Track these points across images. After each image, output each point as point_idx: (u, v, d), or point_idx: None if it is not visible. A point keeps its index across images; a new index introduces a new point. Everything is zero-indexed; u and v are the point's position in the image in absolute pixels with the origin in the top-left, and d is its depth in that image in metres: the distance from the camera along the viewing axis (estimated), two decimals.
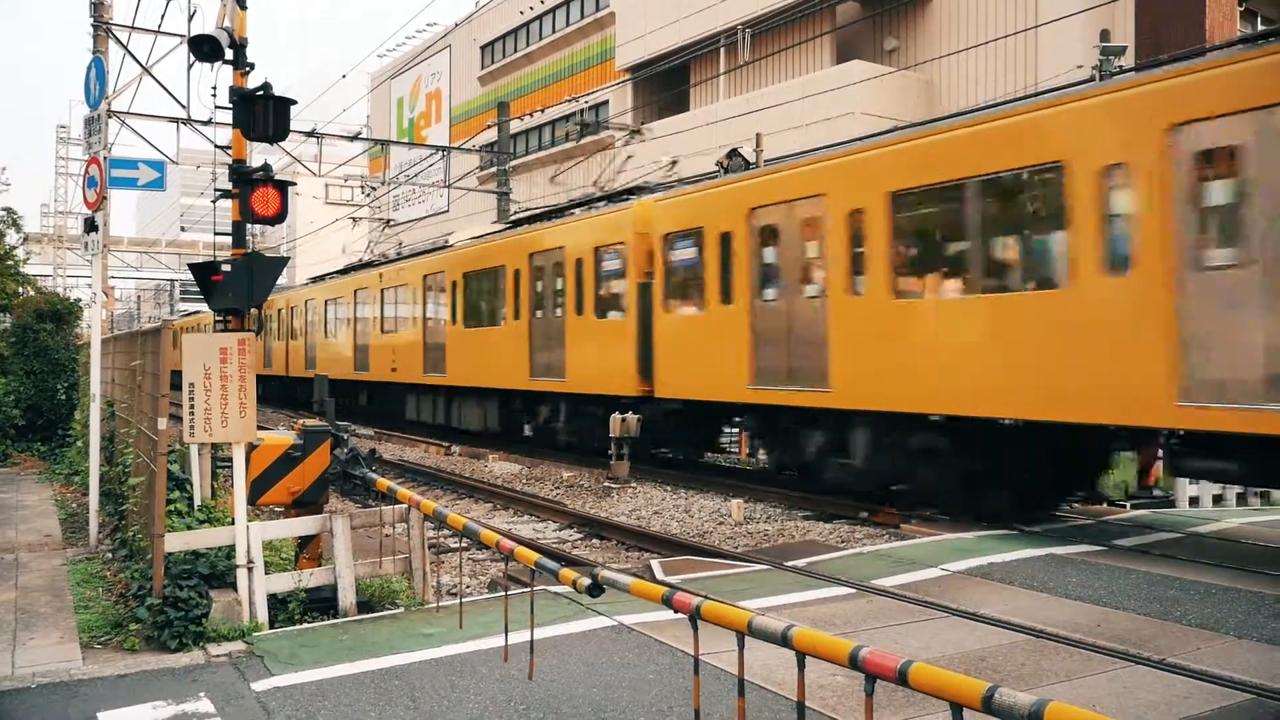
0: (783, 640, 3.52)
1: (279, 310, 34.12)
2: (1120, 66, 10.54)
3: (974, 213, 9.87)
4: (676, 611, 4.12)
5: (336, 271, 31.21)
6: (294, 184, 9.07)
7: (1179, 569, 8.00)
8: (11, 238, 21.93)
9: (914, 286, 10.69)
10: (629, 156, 19.89)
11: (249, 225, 9.51)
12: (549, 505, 13.22)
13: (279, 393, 34.75)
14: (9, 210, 21.94)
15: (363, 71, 54.63)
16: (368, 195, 32.75)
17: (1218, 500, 12.68)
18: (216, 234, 11.88)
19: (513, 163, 33.14)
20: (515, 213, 26.17)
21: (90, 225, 10.11)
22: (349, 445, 8.50)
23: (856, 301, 11.17)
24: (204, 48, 9.04)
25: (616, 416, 14.75)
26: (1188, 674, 5.40)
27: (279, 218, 8.50)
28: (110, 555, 8.95)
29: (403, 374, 23.65)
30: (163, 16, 14.57)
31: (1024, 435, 9.68)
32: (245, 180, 8.60)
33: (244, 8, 9.32)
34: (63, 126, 40.22)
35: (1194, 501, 12.40)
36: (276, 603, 6.89)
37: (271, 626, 6.60)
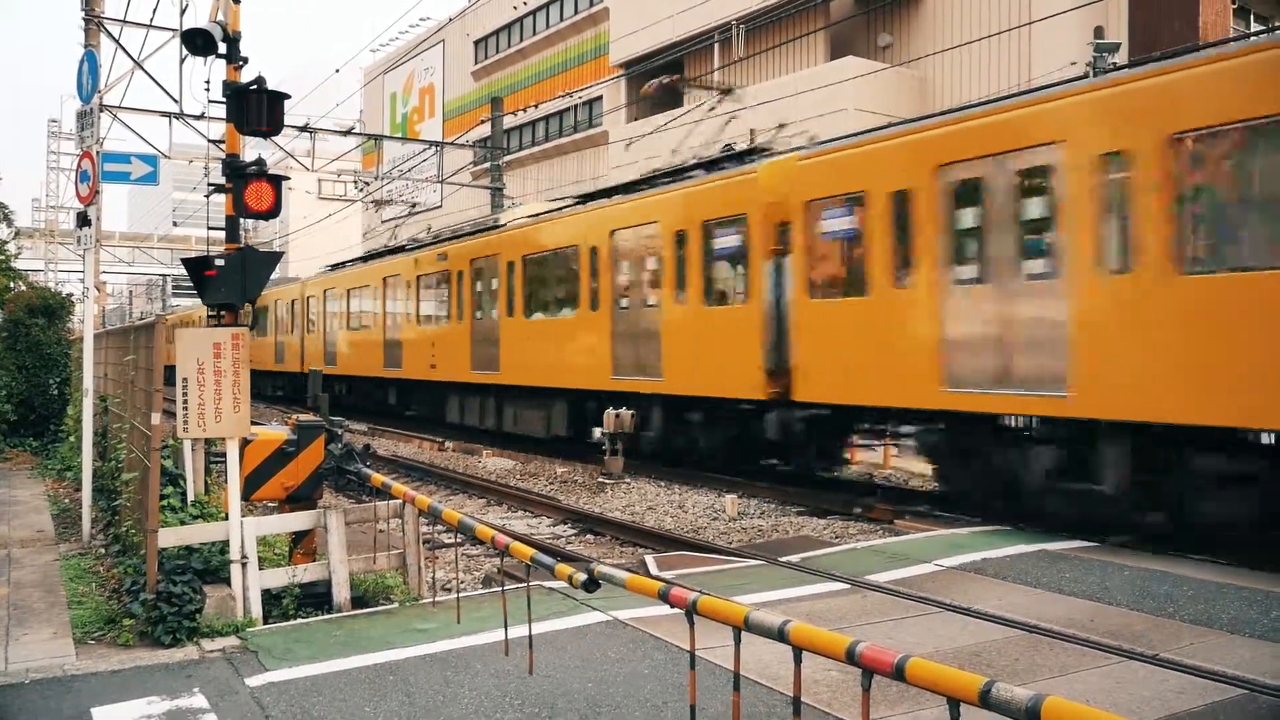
0: (780, 635, 3.52)
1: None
2: (1114, 64, 10.52)
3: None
4: (673, 606, 4.12)
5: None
6: (288, 179, 9.05)
7: (1172, 564, 8.03)
8: (3, 232, 21.78)
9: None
10: (731, 118, 18.06)
11: (242, 220, 9.48)
12: (543, 501, 13.22)
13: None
14: (0, 205, 21.81)
15: (356, 66, 54.55)
16: (361, 190, 32.64)
17: None
18: (210, 229, 11.86)
19: (506, 158, 33.05)
20: (509, 207, 26.12)
21: (83, 220, 10.06)
22: (343, 440, 8.49)
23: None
24: (197, 42, 8.98)
25: (610, 412, 14.76)
26: (1180, 669, 5.42)
27: (273, 213, 8.46)
28: (103, 551, 8.92)
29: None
30: (154, 10, 14.52)
31: None
32: (239, 175, 8.56)
33: (237, 1, 9.27)
34: (54, 121, 40.08)
35: None
36: (270, 598, 6.88)
37: (265, 622, 6.58)
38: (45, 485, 13.33)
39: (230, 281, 8.07)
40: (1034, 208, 9.64)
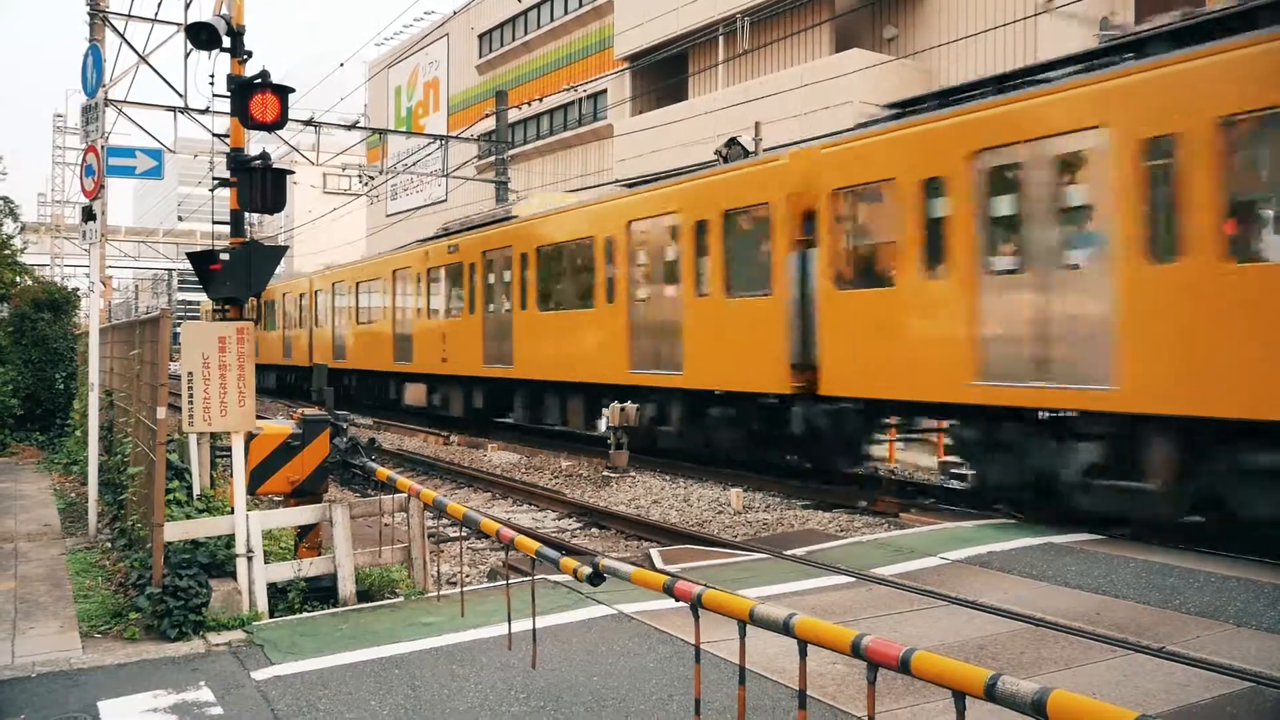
0: (785, 629, 3.52)
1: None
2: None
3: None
4: (678, 600, 4.12)
5: None
6: (292, 172, 9.05)
7: (1178, 557, 8.01)
8: (9, 227, 21.81)
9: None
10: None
11: (247, 214, 9.49)
12: (548, 494, 13.23)
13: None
14: (6, 199, 21.78)
15: (360, 60, 54.54)
16: (365, 184, 32.65)
17: None
18: (215, 223, 11.88)
19: (511, 152, 33.01)
20: (513, 203, 26.09)
21: (88, 214, 10.07)
22: (348, 434, 8.50)
23: None
24: (201, 35, 8.99)
25: (615, 406, 14.76)
26: (1187, 662, 5.41)
27: (278, 206, 8.48)
28: (109, 545, 8.94)
29: None
30: (159, 5, 14.53)
31: None
32: (243, 169, 8.57)
33: None
34: (59, 115, 40.05)
35: None
36: (276, 592, 6.89)
37: (271, 616, 6.60)
38: (51, 479, 13.37)
39: (235, 275, 8.08)
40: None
